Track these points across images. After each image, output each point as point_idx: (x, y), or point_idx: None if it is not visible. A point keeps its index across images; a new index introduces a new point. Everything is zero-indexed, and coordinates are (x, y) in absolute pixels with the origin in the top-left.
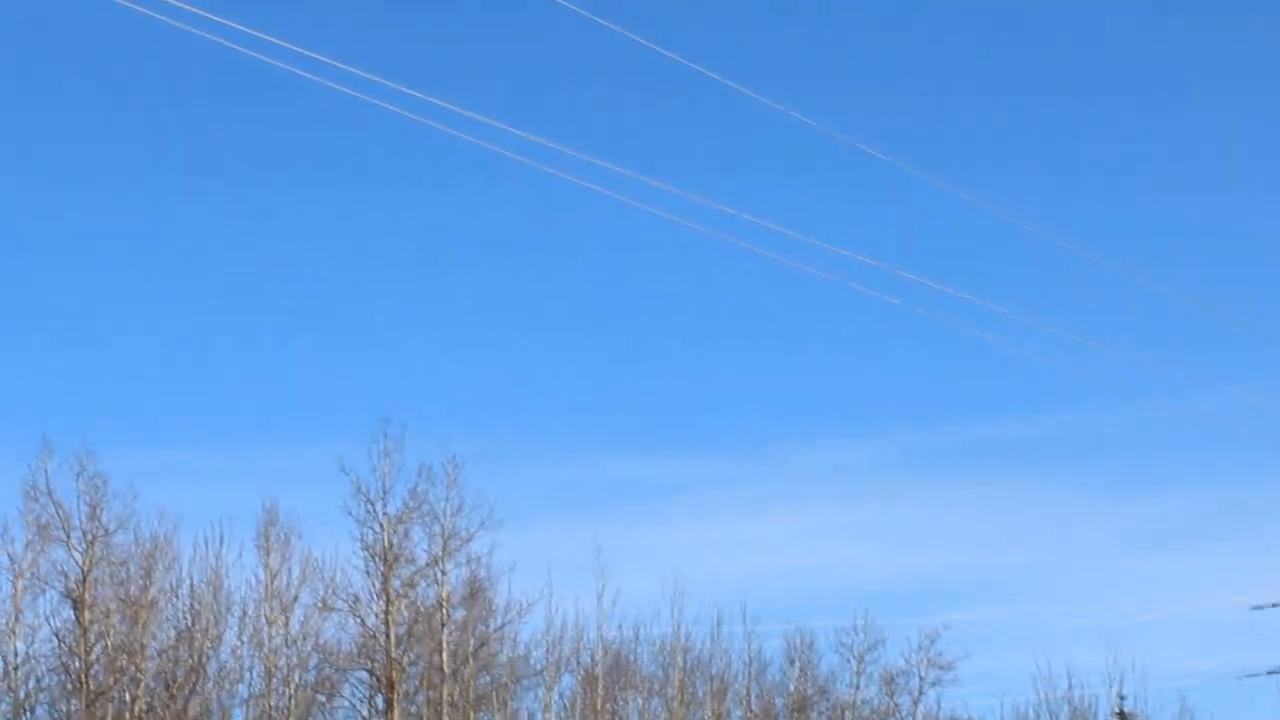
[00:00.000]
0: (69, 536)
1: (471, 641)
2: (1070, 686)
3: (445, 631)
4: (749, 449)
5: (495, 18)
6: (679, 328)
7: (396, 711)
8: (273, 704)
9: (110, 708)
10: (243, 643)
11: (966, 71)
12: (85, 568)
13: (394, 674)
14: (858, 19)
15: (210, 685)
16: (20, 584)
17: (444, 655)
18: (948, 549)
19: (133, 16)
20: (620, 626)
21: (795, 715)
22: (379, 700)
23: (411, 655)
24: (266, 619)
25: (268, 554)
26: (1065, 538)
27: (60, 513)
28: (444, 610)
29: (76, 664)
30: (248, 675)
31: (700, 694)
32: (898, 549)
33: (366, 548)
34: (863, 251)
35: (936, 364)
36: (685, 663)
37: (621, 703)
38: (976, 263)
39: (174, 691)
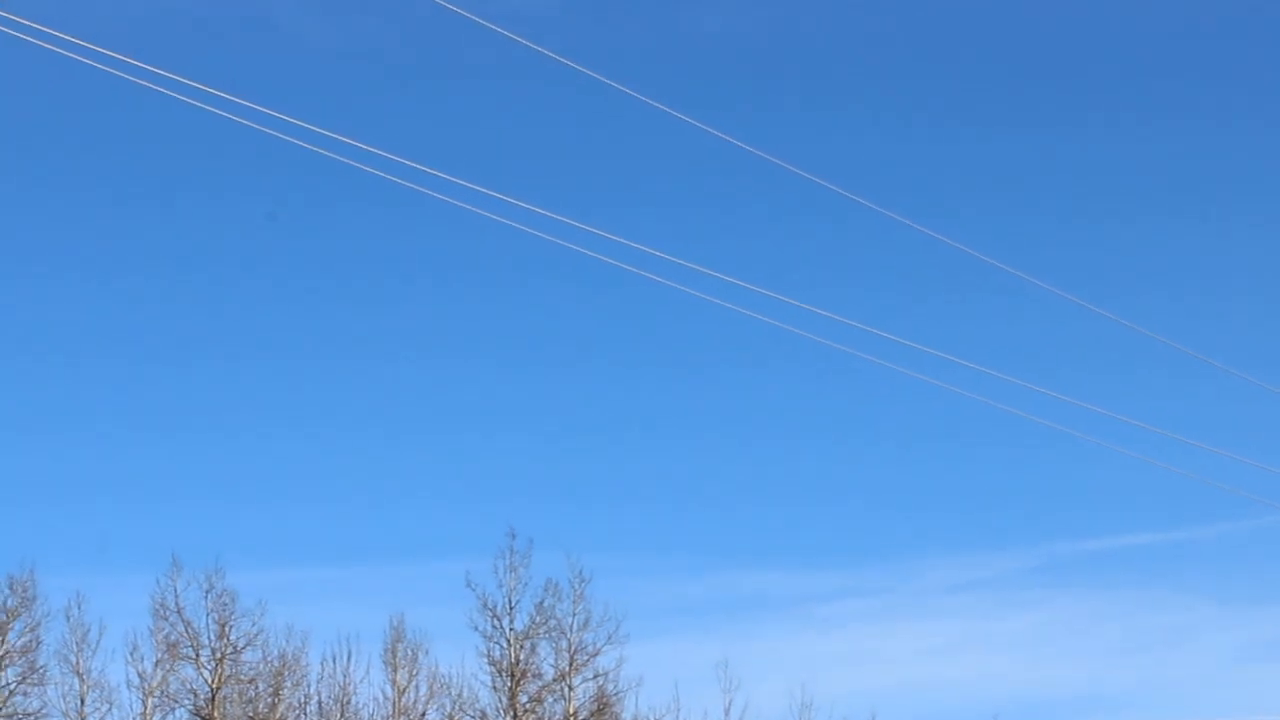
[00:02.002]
0: (198, 654)
1: None
2: None
3: None
4: (877, 561)
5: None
6: (806, 439)
7: None
8: None
9: None
10: None
11: (1082, 185)
12: (214, 685)
13: None
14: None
15: None
16: (150, 702)
17: None
18: (1076, 661)
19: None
20: None
21: None
22: None
23: None
24: None
25: (395, 670)
26: (1190, 648)
27: (189, 630)
28: None
29: None
30: None
31: None
32: (1026, 662)
33: (493, 663)
34: (989, 363)
35: (1063, 476)
36: None
37: None
38: (1104, 375)
39: None
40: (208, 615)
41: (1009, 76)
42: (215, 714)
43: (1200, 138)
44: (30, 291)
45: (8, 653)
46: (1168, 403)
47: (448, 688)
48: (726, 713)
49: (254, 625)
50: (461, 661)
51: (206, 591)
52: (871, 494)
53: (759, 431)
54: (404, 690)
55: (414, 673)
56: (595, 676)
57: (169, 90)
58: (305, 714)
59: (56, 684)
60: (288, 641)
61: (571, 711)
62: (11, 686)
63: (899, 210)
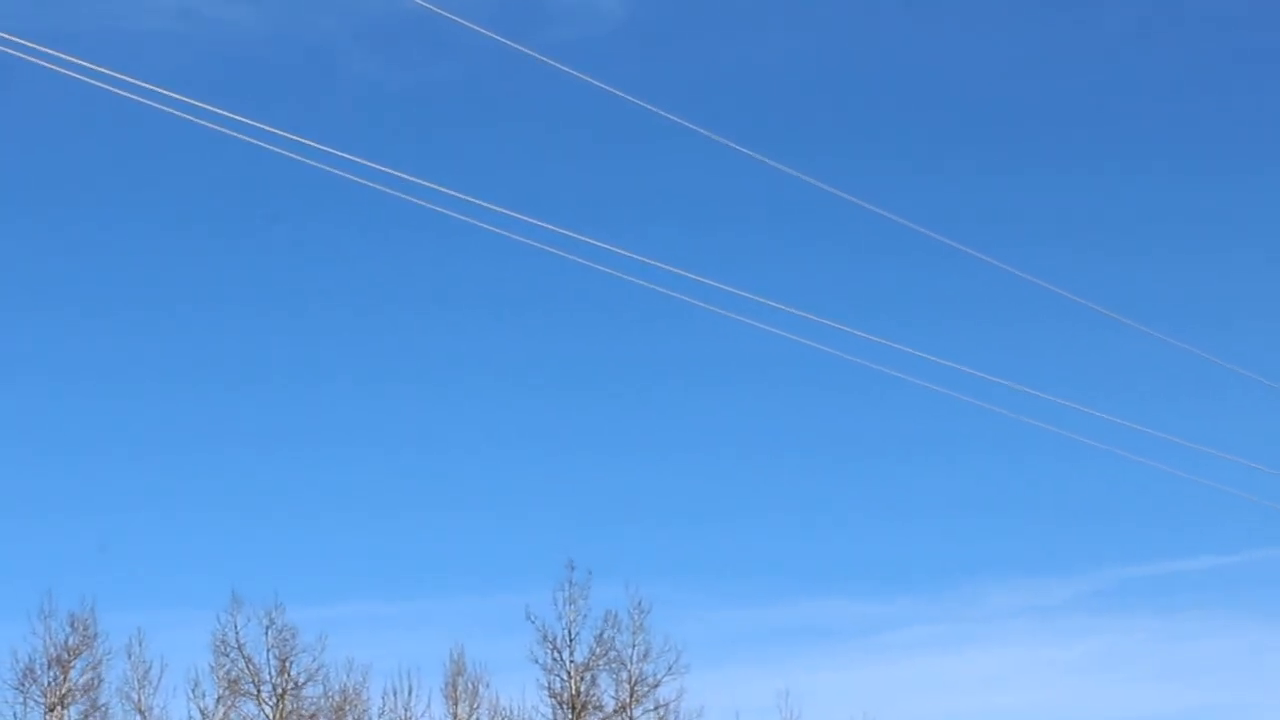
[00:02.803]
0: (259, 690)
1: None
2: None
3: None
4: (938, 588)
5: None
6: (865, 464)
7: None
8: None
9: None
10: None
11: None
12: None
13: None
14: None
15: None
16: None
17: None
18: (1140, 686)
19: None
20: None
21: None
22: None
23: None
24: None
25: (456, 703)
26: (1254, 672)
27: (250, 667)
28: None
29: None
30: None
31: None
32: (1091, 687)
33: (554, 695)
34: (1048, 388)
35: (1124, 499)
36: None
37: None
38: (1164, 398)
39: None
40: (268, 651)
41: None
42: None
43: None
44: (97, 321)
45: (70, 691)
46: (1227, 425)
47: None
48: None
49: (314, 660)
50: (522, 694)
51: (267, 627)
52: (932, 520)
53: (817, 456)
54: None
55: (475, 705)
56: (656, 708)
57: (237, 133)
58: None
59: None
60: (348, 676)
61: None
62: None
63: (972, 244)
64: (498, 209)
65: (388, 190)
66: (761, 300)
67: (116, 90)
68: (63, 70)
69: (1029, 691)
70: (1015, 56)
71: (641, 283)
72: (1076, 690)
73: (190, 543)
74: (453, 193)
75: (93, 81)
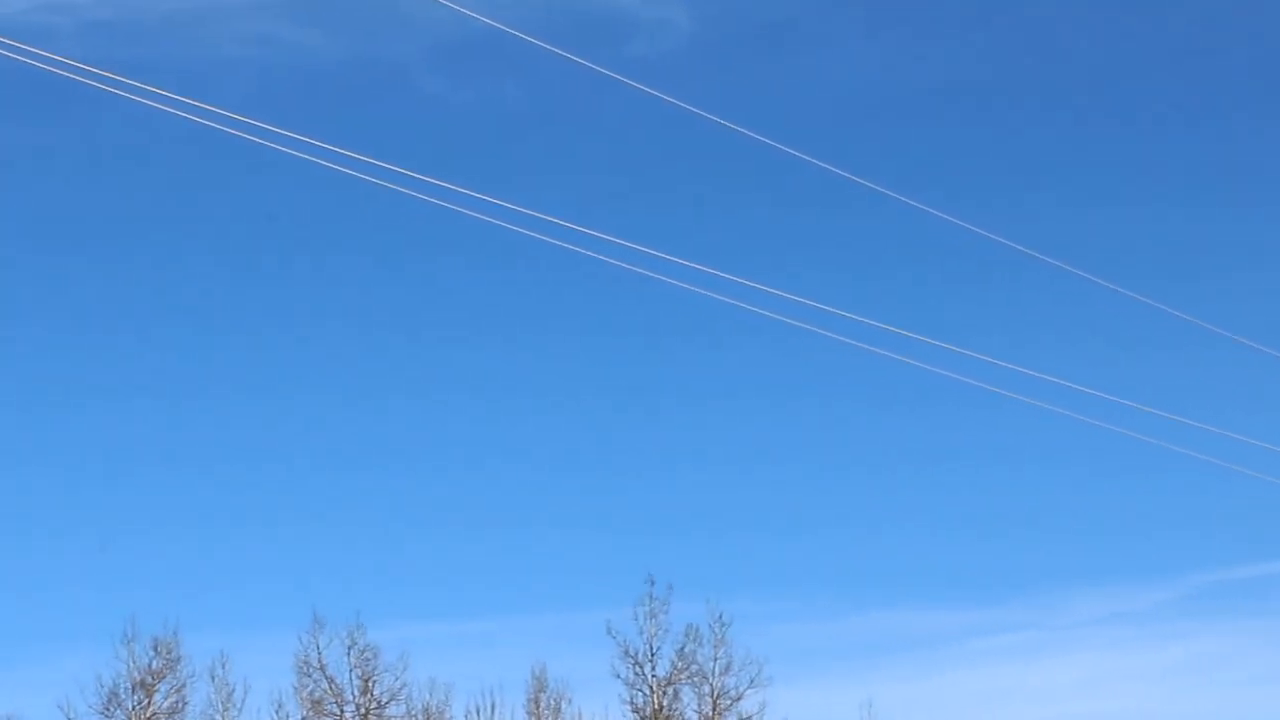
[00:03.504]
0: (342, 711)
1: None
2: None
3: None
4: (1021, 595)
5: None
6: (944, 473)
7: None
8: None
9: None
10: None
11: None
12: None
13: None
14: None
15: None
16: None
17: None
18: (1228, 692)
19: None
20: None
21: None
22: None
23: None
24: None
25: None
26: None
27: (333, 687)
28: None
29: None
30: None
31: None
32: (1178, 693)
33: (636, 710)
34: (1131, 395)
35: (1209, 503)
36: None
37: None
38: (1248, 403)
39: None
40: (351, 671)
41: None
42: None
43: None
44: (175, 341)
45: (155, 714)
46: None
47: None
48: None
49: (397, 680)
50: (605, 710)
51: (349, 647)
52: (1014, 526)
53: (898, 467)
54: None
55: None
56: None
57: (314, 157)
58: None
59: None
60: (431, 695)
61: None
62: None
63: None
64: (566, 224)
65: (461, 209)
66: (838, 312)
67: (197, 119)
68: (146, 101)
69: (1118, 698)
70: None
71: (715, 295)
72: (1169, 696)
73: (271, 564)
74: (522, 209)
75: (173, 110)
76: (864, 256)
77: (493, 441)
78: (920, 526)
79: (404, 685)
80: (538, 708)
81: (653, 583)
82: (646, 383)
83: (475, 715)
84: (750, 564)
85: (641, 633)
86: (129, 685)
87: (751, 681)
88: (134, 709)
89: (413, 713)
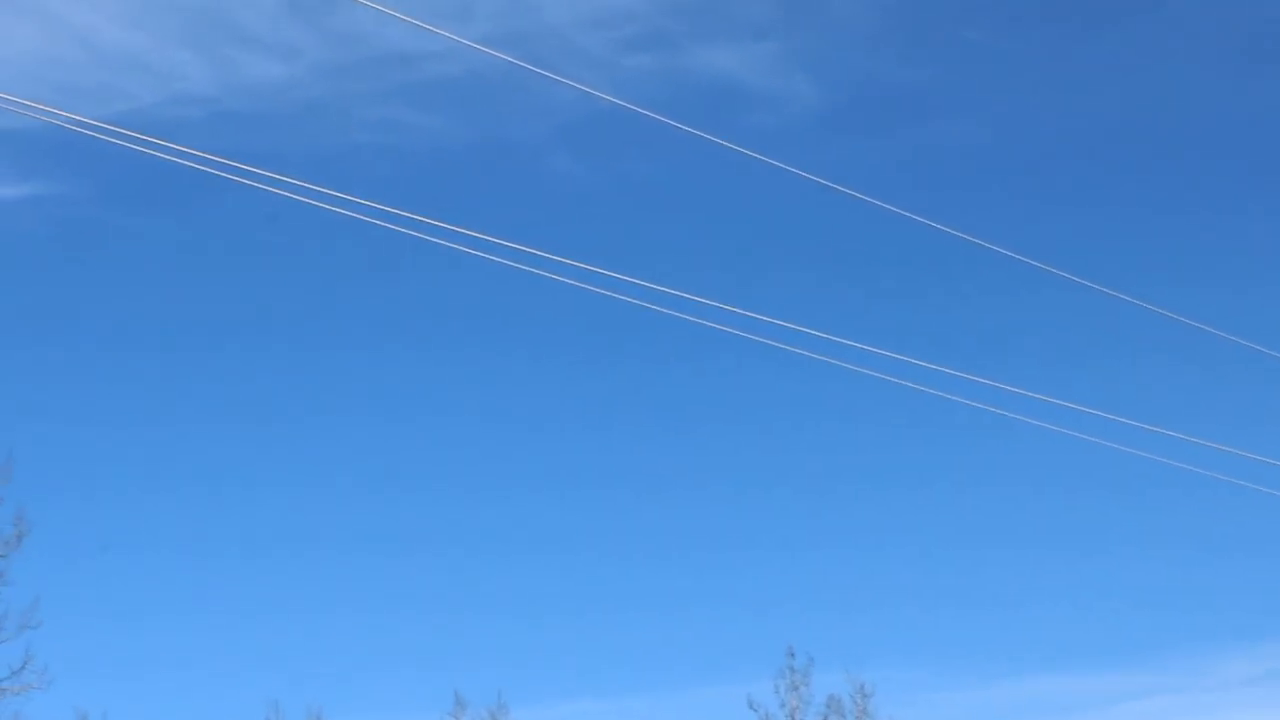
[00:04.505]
0: None
1: None
2: None
3: None
4: (1170, 657)
5: None
6: (1081, 539)
7: None
8: None
9: None
10: None
11: None
12: None
13: None
14: None
15: None
16: None
17: None
18: None
19: None
20: None
21: None
22: None
23: None
24: None
25: None
26: None
27: None
28: None
29: None
30: None
31: None
32: None
33: None
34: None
35: None
36: None
37: None
38: None
39: None
40: None
41: None
42: None
43: None
44: (320, 429)
45: None
46: None
47: None
48: None
49: None
50: None
51: None
52: (1158, 585)
53: (1034, 534)
54: None
55: None
56: None
57: (446, 241)
58: None
59: None
60: None
61: None
62: None
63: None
64: (701, 300)
65: (590, 288)
66: (977, 379)
67: (326, 205)
68: (275, 190)
69: None
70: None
71: (846, 365)
72: None
73: (412, 644)
74: (653, 285)
75: (301, 198)
76: (1006, 328)
77: (630, 521)
78: (1062, 590)
79: None
80: None
81: (793, 654)
82: (778, 460)
83: None
84: (891, 633)
85: (783, 705)
86: None
87: None
88: None
89: None
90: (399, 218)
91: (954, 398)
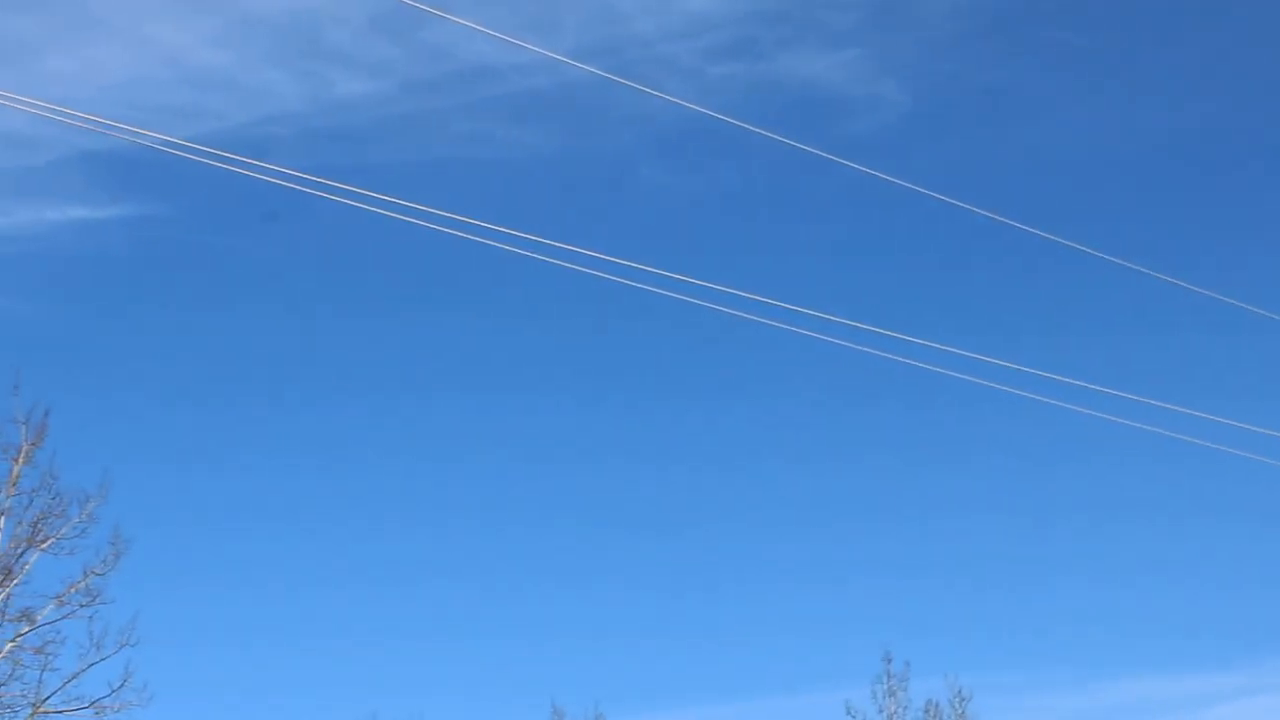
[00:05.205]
0: None
1: None
2: None
3: None
4: (1269, 656)
5: None
6: (1177, 529)
7: None
8: None
9: None
10: None
11: None
12: None
13: None
14: None
15: None
16: None
17: None
18: None
19: None
20: None
21: None
22: None
23: None
24: None
25: None
26: None
27: None
28: None
29: None
30: None
31: None
32: None
33: None
34: None
35: None
36: None
37: None
38: None
39: None
40: None
41: None
42: None
43: None
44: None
45: None
46: None
47: None
48: None
49: None
50: None
51: None
52: (1254, 582)
53: (1143, 523)
54: None
55: None
56: None
57: (536, 254)
58: None
59: None
60: None
61: None
62: None
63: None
64: (795, 308)
65: (690, 299)
66: (1079, 384)
67: (416, 220)
68: (362, 205)
69: None
70: None
71: (941, 370)
72: None
73: (509, 654)
74: (751, 295)
75: (391, 214)
76: (1102, 324)
77: (728, 530)
78: (1165, 586)
79: None
80: None
81: (890, 660)
82: (876, 470)
83: None
84: (989, 636)
85: (881, 711)
86: None
87: None
88: None
89: None
90: (490, 231)
91: (1063, 404)
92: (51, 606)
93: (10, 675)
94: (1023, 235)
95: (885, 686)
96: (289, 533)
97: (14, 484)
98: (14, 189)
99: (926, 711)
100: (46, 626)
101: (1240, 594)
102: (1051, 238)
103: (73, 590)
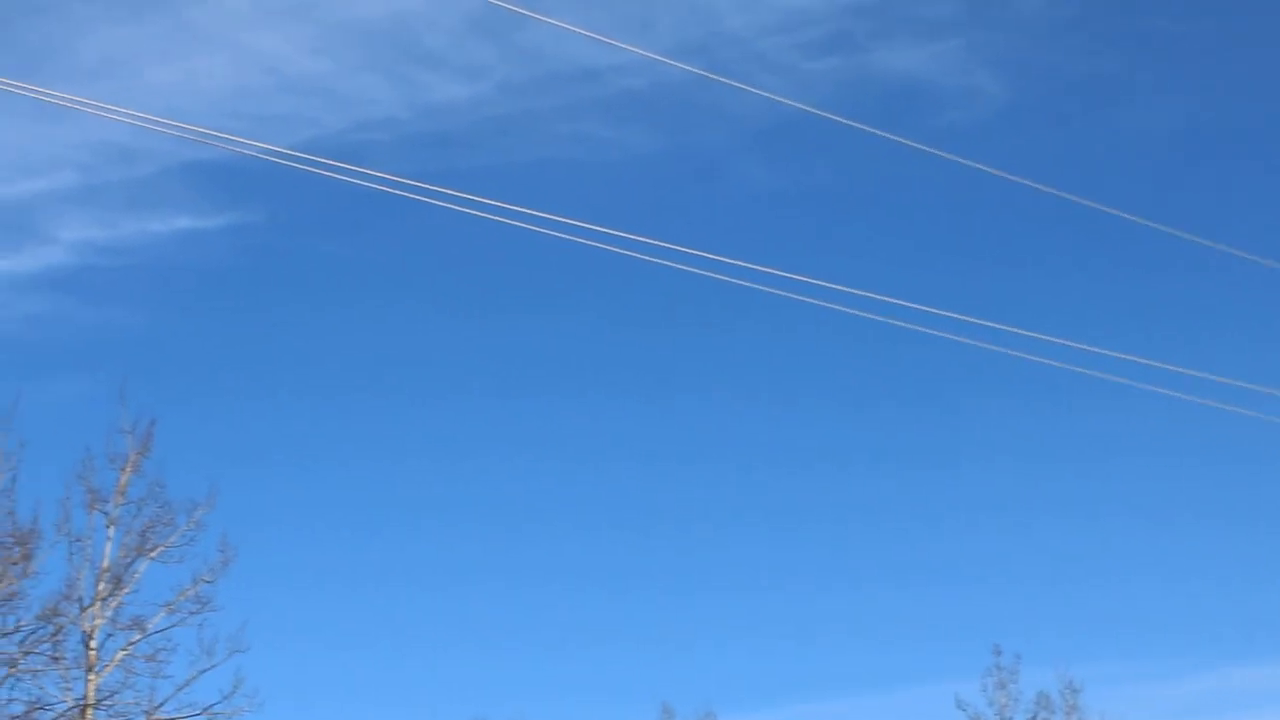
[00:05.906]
0: None
1: None
2: None
3: None
4: None
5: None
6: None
7: None
8: None
9: None
10: None
11: None
12: None
13: None
14: None
15: None
16: None
17: None
18: None
19: None
20: None
21: None
22: None
23: None
24: None
25: None
26: None
27: None
28: None
29: None
30: None
31: None
32: None
33: None
34: None
35: None
36: None
37: None
38: None
39: None
40: None
41: None
42: None
43: None
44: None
45: None
46: None
47: None
48: None
49: None
50: None
51: None
52: None
53: (1252, 514)
54: None
55: None
56: None
57: (636, 253)
58: None
59: None
60: None
61: None
62: None
63: None
64: (896, 301)
65: (784, 294)
66: (1180, 370)
67: (517, 223)
68: (461, 209)
69: None
70: None
71: (1045, 361)
72: None
73: (617, 653)
74: (838, 287)
75: (492, 216)
76: (1195, 315)
77: (836, 527)
78: (1273, 579)
79: None
80: None
81: (999, 652)
82: (989, 454)
83: None
84: (1100, 626)
85: (991, 703)
86: None
87: None
88: None
89: None
90: (591, 232)
91: (1156, 389)
92: (162, 614)
93: (123, 683)
94: (1124, 224)
95: (995, 679)
96: (394, 537)
97: (122, 493)
98: (119, 201)
99: (1037, 703)
100: (157, 635)
101: None
102: (1157, 226)
103: (182, 598)
